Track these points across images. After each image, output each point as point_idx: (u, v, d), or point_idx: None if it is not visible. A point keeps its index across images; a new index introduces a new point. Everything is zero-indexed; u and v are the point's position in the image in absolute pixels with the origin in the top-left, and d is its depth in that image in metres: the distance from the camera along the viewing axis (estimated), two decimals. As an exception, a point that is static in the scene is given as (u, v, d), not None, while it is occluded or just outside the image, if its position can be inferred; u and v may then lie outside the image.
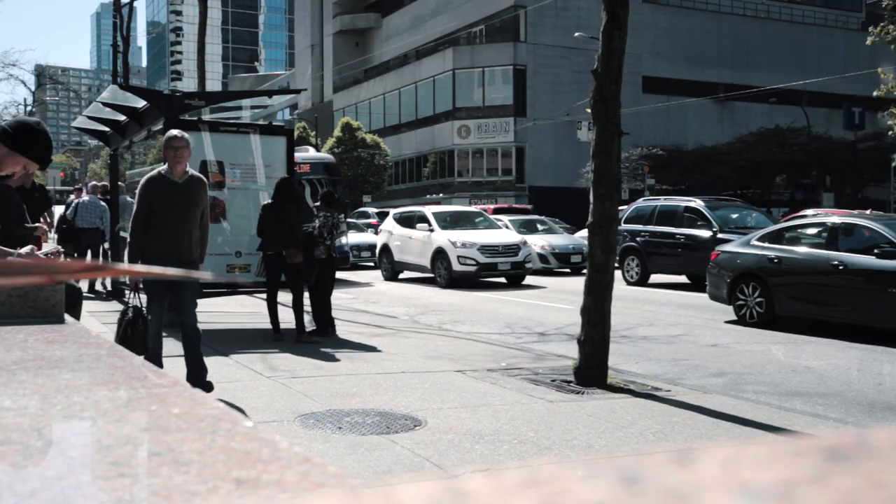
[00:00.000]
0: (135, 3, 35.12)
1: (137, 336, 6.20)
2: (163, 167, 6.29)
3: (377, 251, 20.32)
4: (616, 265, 8.10)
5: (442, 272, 17.23)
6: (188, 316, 6.34)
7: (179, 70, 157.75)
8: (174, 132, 6.30)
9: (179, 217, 6.13)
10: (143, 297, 6.39)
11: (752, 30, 52.13)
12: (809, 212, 22.26)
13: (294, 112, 63.25)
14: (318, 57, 64.50)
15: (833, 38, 54.18)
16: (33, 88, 58.86)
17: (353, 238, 21.13)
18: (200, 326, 8.41)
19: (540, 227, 21.86)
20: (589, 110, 7.30)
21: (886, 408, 6.73)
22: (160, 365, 6.07)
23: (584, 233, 23.25)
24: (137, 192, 6.19)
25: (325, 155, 21.61)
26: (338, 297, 12.00)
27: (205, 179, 6.42)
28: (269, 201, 9.55)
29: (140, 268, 4.30)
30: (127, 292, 5.70)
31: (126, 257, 5.02)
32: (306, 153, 19.74)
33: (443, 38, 51.33)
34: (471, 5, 49.67)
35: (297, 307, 9.28)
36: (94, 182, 14.71)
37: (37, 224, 7.28)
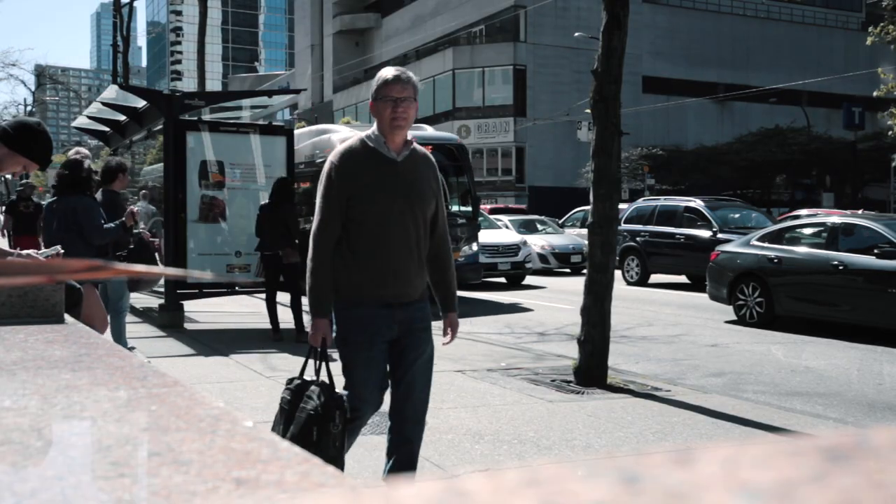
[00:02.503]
0: (135, 3, 35.13)
1: (330, 441, 3.41)
2: (370, 131, 3.53)
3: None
4: (616, 265, 8.11)
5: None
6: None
7: (179, 70, 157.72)
8: (391, 70, 3.50)
9: (402, 222, 3.46)
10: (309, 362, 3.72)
11: (752, 30, 52.10)
12: (804, 212, 22.27)
13: (294, 112, 63.24)
14: (318, 57, 64.50)
15: (833, 38, 54.15)
16: (33, 88, 58.89)
17: None
18: (200, 327, 8.41)
19: (540, 226, 21.87)
20: (589, 110, 7.30)
21: (886, 408, 6.73)
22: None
23: (578, 230, 23.00)
24: (321, 179, 3.52)
25: (449, 135, 16.59)
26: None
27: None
28: (266, 202, 9.57)
29: (139, 267, 4.29)
30: (309, 359, 3.58)
31: (309, 300, 3.50)
32: (424, 132, 15.03)
33: (443, 38, 51.33)
34: (471, 5, 49.66)
35: (296, 307, 9.28)
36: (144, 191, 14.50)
37: (114, 224, 6.61)
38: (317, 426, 3.39)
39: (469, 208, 14.46)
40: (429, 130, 15.51)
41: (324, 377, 3.55)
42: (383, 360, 3.56)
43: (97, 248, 6.31)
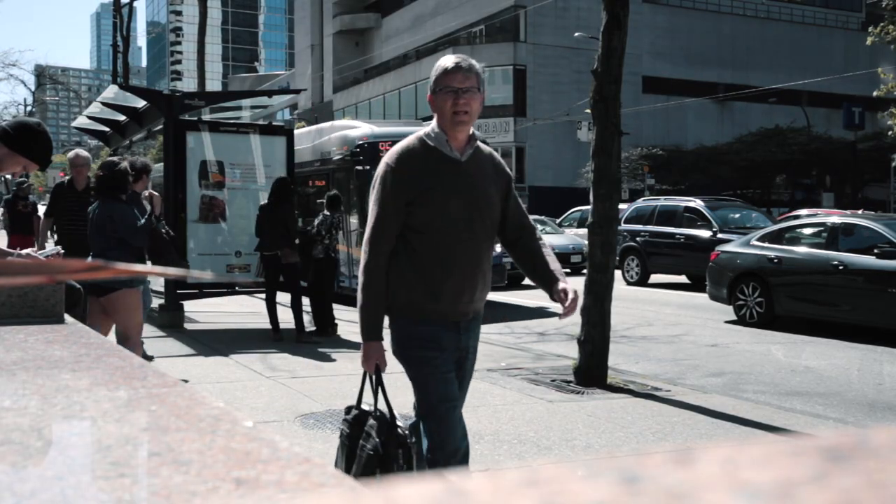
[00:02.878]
0: (135, 3, 35.12)
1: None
2: (429, 128, 3.16)
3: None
4: (616, 265, 8.10)
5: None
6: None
7: (179, 70, 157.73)
8: (451, 58, 3.11)
9: (467, 229, 3.08)
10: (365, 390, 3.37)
11: (752, 30, 52.10)
12: (803, 212, 22.28)
13: (294, 112, 63.24)
14: (318, 57, 64.50)
15: (833, 38, 54.15)
16: (33, 88, 58.87)
17: None
18: (200, 327, 8.41)
19: (539, 227, 21.89)
20: (589, 110, 7.30)
21: (886, 408, 6.73)
22: None
23: (575, 230, 22.82)
24: (375, 183, 3.14)
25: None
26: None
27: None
28: (265, 202, 9.57)
29: (139, 267, 4.29)
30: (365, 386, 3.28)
31: (362, 313, 3.11)
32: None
33: (443, 38, 51.31)
34: (471, 5, 49.65)
35: (296, 307, 9.28)
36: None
37: (143, 219, 6.50)
38: (379, 467, 3.11)
39: None
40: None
41: (382, 406, 3.20)
42: (455, 383, 3.23)
43: (137, 250, 6.18)
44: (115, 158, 6.64)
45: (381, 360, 3.14)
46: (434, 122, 3.13)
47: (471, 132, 3.15)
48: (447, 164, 3.09)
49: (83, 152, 8.59)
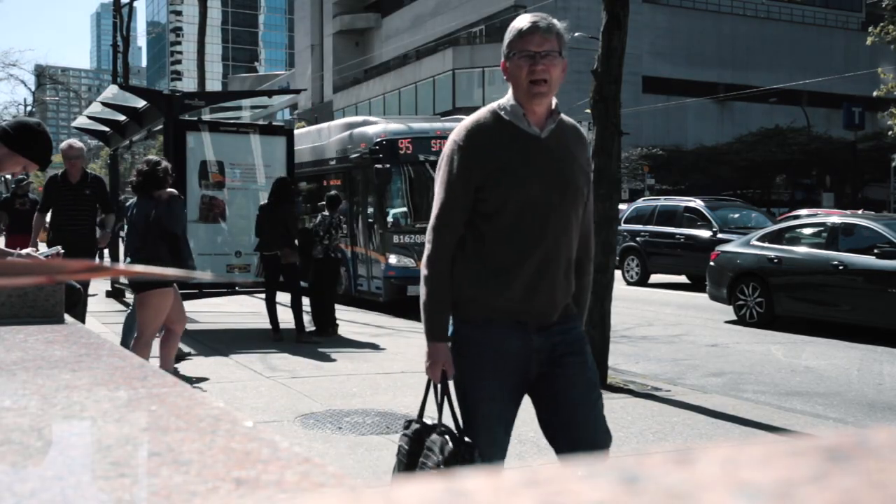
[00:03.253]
0: (135, 3, 35.12)
1: None
2: (503, 100, 2.74)
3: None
4: (616, 265, 8.10)
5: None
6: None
7: (179, 70, 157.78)
8: (527, 17, 2.71)
9: (547, 216, 2.67)
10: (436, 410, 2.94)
11: (752, 30, 52.10)
12: (803, 212, 22.27)
13: (294, 112, 63.25)
14: (318, 57, 64.50)
15: (833, 38, 54.15)
16: (33, 88, 58.89)
17: None
18: (200, 327, 8.41)
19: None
20: (589, 110, 7.31)
21: (886, 408, 6.73)
22: None
23: None
24: (441, 164, 2.77)
25: None
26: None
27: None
28: (265, 202, 9.57)
29: (139, 267, 4.29)
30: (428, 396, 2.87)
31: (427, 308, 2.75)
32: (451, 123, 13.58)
33: (443, 38, 51.32)
34: (471, 5, 49.66)
35: (296, 307, 9.29)
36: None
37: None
38: None
39: None
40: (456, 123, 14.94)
41: (447, 420, 2.76)
42: (515, 397, 2.76)
43: (172, 249, 6.14)
44: (155, 157, 6.51)
45: (447, 366, 2.71)
46: (509, 93, 2.70)
47: (552, 104, 2.71)
48: (524, 140, 2.65)
49: (77, 143, 8.24)
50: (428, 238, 2.72)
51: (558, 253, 2.68)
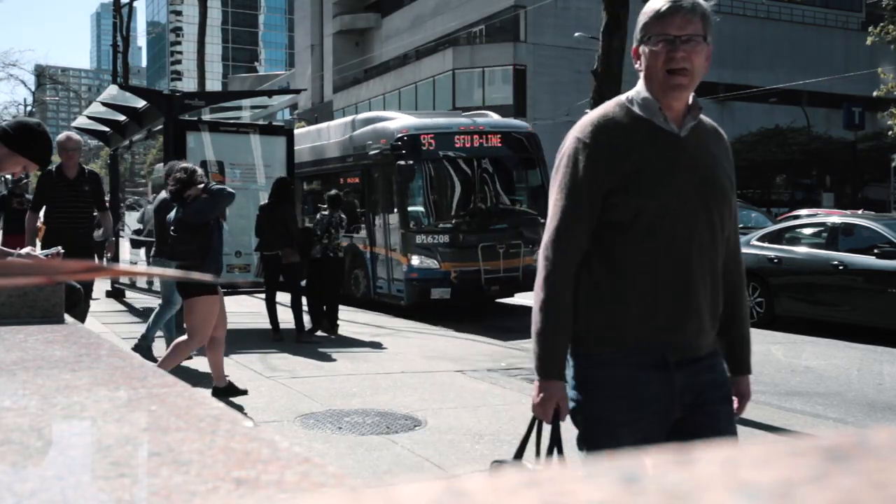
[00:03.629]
0: (135, 3, 35.13)
1: None
2: (633, 92, 2.34)
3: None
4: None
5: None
6: None
7: (179, 70, 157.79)
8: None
9: (692, 229, 2.27)
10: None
11: (752, 30, 52.11)
12: (804, 212, 22.28)
13: (294, 112, 63.25)
14: (318, 57, 64.50)
15: (833, 38, 54.16)
16: (33, 88, 58.89)
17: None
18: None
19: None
20: (589, 110, 7.30)
21: (886, 408, 6.73)
22: None
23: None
24: (560, 165, 2.33)
25: (518, 122, 14.32)
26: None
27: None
28: (265, 202, 9.58)
29: (139, 268, 4.29)
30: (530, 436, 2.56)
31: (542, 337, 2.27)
32: (488, 118, 13.39)
33: (443, 38, 51.33)
34: (471, 5, 49.66)
35: (296, 307, 9.29)
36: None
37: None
38: None
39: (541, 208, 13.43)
40: (493, 117, 13.72)
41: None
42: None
43: (203, 248, 6.20)
44: (188, 164, 6.55)
45: (562, 404, 2.31)
46: (639, 85, 2.30)
47: (691, 99, 2.33)
48: (662, 138, 2.26)
49: (75, 135, 7.86)
50: (544, 254, 2.28)
51: (704, 272, 2.26)
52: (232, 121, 12.57)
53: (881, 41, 25.31)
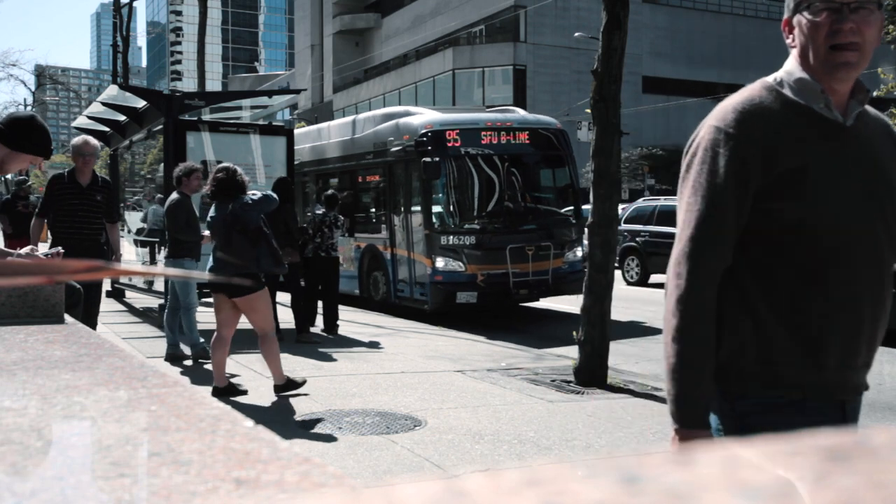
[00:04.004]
0: (135, 3, 35.12)
1: None
2: (783, 72, 1.92)
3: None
4: (616, 265, 8.08)
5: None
6: None
7: (179, 70, 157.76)
8: None
9: (864, 238, 1.80)
10: None
11: (752, 30, 52.14)
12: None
13: (294, 112, 63.26)
14: (318, 57, 64.51)
15: (833, 38, 54.18)
16: (33, 88, 58.91)
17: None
18: (201, 327, 8.44)
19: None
20: (589, 110, 7.31)
21: (886, 408, 6.73)
22: None
23: None
24: (694, 161, 1.87)
25: (546, 118, 13.25)
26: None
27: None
28: None
29: (139, 268, 4.30)
30: None
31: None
32: (515, 114, 12.83)
33: (443, 38, 51.33)
34: (471, 5, 49.67)
35: (296, 307, 9.29)
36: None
37: (203, 233, 7.31)
38: None
39: (571, 206, 12.45)
40: (520, 112, 13.19)
41: None
42: None
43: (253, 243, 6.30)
44: (228, 164, 6.59)
45: None
46: (790, 63, 1.90)
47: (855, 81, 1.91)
48: (825, 129, 1.85)
49: (93, 140, 7.31)
50: (675, 271, 1.87)
51: (881, 289, 1.85)
52: (232, 121, 12.58)
53: (881, 41, 25.30)
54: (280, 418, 5.70)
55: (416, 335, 9.94)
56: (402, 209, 11.93)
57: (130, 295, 12.85)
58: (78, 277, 0.91)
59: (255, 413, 5.79)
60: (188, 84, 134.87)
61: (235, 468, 1.02)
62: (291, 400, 6.25)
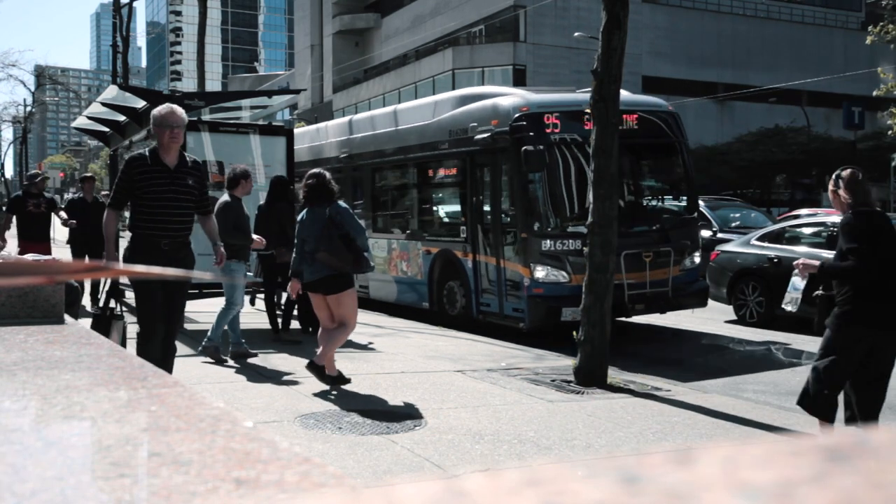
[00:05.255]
0: (134, 4, 35.11)
1: None
2: None
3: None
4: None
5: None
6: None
7: (179, 70, 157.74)
8: None
9: None
10: None
11: (752, 30, 52.16)
12: (804, 211, 22.29)
13: (294, 112, 63.25)
14: (317, 57, 64.51)
15: (833, 38, 54.19)
16: (33, 89, 58.88)
17: None
18: (200, 327, 8.43)
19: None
20: (589, 110, 7.31)
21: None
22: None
23: None
24: None
25: (655, 100, 11.25)
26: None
27: None
28: (263, 202, 9.58)
29: (140, 268, 4.29)
30: None
31: None
32: (627, 96, 9.33)
33: (442, 38, 51.34)
34: (470, 5, 49.67)
35: (289, 307, 9.35)
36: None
37: (254, 237, 7.84)
38: None
39: (683, 202, 10.80)
40: (625, 94, 9.27)
41: None
42: None
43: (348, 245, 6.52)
44: (317, 170, 6.86)
45: None
46: None
47: None
48: None
49: (180, 109, 5.56)
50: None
51: None
52: (232, 121, 12.58)
53: (881, 41, 25.32)
54: (280, 418, 5.70)
55: (417, 335, 9.94)
56: (489, 208, 10.17)
57: (130, 295, 12.84)
58: (78, 277, 0.91)
59: (255, 413, 5.79)
60: (188, 84, 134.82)
61: (235, 468, 1.02)
62: (291, 400, 6.25)
